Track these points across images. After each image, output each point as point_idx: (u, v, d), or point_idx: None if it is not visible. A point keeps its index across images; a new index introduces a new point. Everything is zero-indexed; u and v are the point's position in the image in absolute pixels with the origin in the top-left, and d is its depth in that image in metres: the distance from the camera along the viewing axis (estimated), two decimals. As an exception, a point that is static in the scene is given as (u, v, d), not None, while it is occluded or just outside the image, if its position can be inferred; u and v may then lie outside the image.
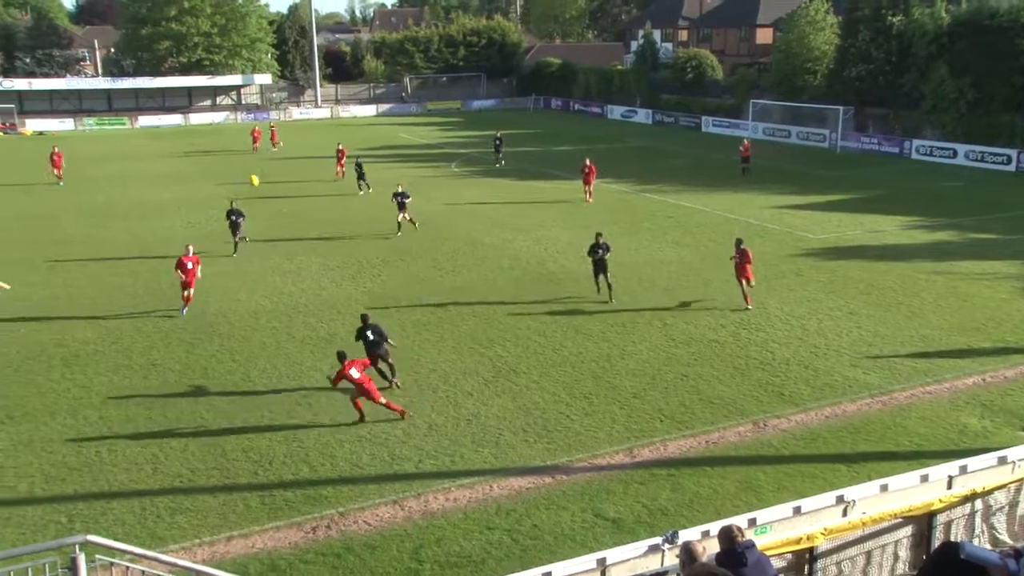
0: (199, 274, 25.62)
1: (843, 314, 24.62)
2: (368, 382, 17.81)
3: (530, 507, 14.83)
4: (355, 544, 13.80)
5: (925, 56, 57.83)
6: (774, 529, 10.47)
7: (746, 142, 50.88)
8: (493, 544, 13.76)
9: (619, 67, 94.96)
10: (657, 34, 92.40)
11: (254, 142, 63.56)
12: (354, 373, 17.63)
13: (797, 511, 10.72)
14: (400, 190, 35.16)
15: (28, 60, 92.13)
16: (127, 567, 9.23)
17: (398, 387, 19.57)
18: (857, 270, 29.14)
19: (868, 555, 10.91)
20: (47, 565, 9.06)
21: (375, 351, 19.50)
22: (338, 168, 49.61)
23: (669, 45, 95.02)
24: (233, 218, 32.49)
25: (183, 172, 53.70)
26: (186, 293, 25.33)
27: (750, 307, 24.86)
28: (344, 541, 13.90)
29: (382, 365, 19.74)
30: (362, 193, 44.04)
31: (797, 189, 44.76)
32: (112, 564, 8.97)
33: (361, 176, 44.63)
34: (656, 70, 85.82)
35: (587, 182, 41.24)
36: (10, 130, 78.17)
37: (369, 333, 19.72)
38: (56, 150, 50.08)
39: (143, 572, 9.28)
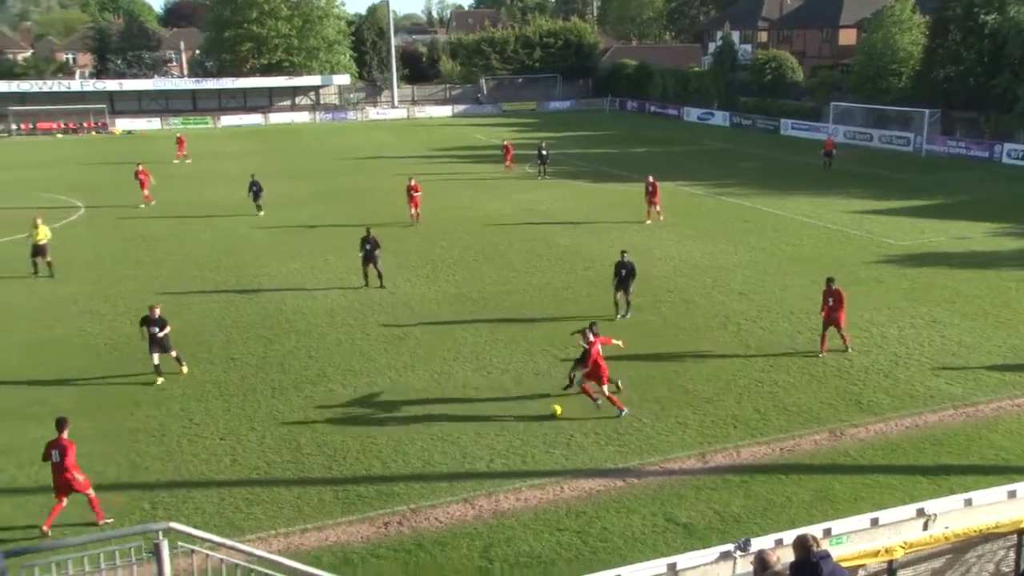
0: None
1: (925, 322, 23.94)
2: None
3: (600, 510, 14.78)
4: (426, 541, 13.92)
5: (1021, 56, 56.05)
6: (850, 540, 10.26)
7: (830, 138, 51.74)
8: (563, 545, 13.75)
9: (696, 69, 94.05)
10: (736, 35, 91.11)
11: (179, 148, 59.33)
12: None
13: (875, 523, 10.47)
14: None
15: (119, 62, 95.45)
16: (207, 555, 9.46)
17: None
18: (941, 277, 28.30)
19: (951, 571, 10.59)
20: (132, 549, 9.36)
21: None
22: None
23: (748, 47, 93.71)
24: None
25: (265, 172, 54.70)
26: None
27: (850, 349, 21.70)
28: (415, 537, 14.03)
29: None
30: (261, 214, 39.73)
31: (879, 193, 43.68)
32: (193, 551, 9.20)
33: (256, 196, 39.91)
34: (734, 72, 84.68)
35: (651, 202, 37.05)
36: (102, 130, 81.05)
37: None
38: (141, 168, 43.76)
39: (222, 560, 9.49)
